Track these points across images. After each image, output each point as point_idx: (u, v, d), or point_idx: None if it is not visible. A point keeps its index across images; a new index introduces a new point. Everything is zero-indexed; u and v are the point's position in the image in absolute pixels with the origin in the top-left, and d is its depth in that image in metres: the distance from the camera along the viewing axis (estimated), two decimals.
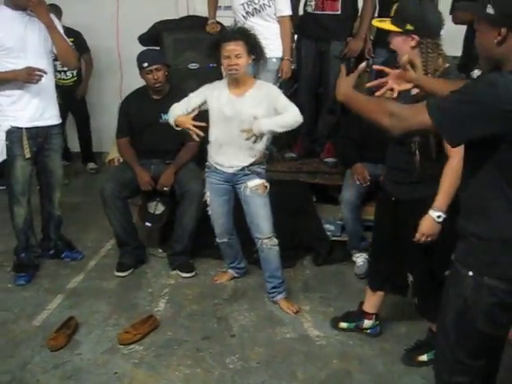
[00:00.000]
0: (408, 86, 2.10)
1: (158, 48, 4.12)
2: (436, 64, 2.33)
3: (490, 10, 1.56)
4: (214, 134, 3.13)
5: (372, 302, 2.96)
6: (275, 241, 3.18)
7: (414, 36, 2.34)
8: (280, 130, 2.98)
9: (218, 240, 3.41)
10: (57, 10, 4.84)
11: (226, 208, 3.29)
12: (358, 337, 2.98)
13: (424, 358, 2.74)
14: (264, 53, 3.12)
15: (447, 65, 2.36)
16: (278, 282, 3.25)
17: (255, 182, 3.13)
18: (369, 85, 2.19)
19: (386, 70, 2.12)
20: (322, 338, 2.98)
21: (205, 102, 3.12)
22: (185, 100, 3.16)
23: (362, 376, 2.67)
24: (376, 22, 2.57)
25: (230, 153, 3.11)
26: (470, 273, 1.64)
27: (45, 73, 3.25)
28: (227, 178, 3.18)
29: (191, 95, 3.18)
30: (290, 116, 2.99)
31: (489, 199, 1.60)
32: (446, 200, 2.32)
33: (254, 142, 2.93)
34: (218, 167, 3.17)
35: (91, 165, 5.83)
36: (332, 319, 3.10)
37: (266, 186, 3.15)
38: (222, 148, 3.13)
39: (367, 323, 2.98)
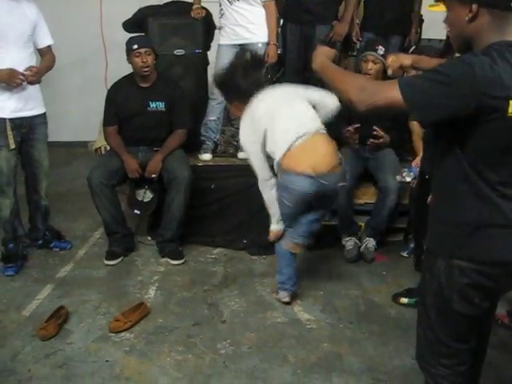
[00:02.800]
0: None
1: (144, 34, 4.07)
2: None
3: None
4: None
5: None
6: None
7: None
8: None
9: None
10: None
11: None
12: (347, 320, 3.00)
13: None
14: None
15: None
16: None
17: None
18: None
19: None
20: (313, 321, 2.99)
21: None
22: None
23: (353, 358, 2.69)
24: (431, 8, 2.60)
25: None
26: (441, 257, 1.65)
27: (29, 82, 3.29)
28: None
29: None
30: None
31: (454, 182, 1.59)
32: None
33: None
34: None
35: None
36: (393, 295, 3.16)
37: None
38: None
39: None
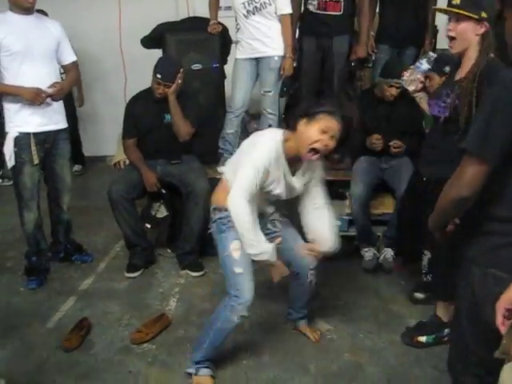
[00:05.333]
0: None
1: (174, 60, 3.92)
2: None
3: None
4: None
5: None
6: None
7: (486, 24, 2.43)
8: None
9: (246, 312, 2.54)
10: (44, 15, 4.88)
11: None
12: (367, 329, 3.01)
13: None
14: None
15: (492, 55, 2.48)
16: (305, 312, 2.98)
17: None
18: None
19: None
20: (333, 331, 3.01)
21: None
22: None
23: (373, 368, 2.70)
24: (440, 10, 2.64)
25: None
26: (477, 264, 1.64)
27: (53, 99, 3.37)
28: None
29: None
30: None
31: (500, 193, 1.58)
32: None
33: None
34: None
35: (76, 167, 5.87)
36: (404, 334, 2.92)
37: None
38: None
39: (447, 332, 2.78)
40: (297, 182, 2.54)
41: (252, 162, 2.36)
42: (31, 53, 3.28)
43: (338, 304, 3.28)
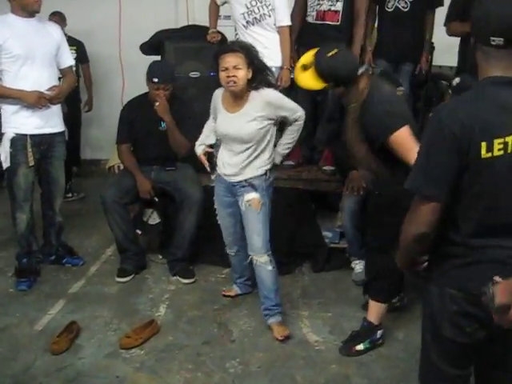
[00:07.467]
0: None
1: (167, 61, 4.05)
2: (359, 94, 2.64)
3: None
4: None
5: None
6: (267, 259, 3.04)
7: (340, 87, 2.70)
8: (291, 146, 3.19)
9: (227, 250, 3.37)
10: (61, 17, 4.92)
11: (232, 220, 3.22)
12: None
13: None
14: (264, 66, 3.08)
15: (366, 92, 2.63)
16: (270, 305, 3.09)
17: (250, 196, 3.02)
18: None
19: None
20: (321, 342, 3.01)
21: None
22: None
23: (360, 380, 2.71)
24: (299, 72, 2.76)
25: (232, 165, 3.06)
26: (434, 283, 1.69)
27: (52, 102, 3.40)
28: (229, 188, 3.11)
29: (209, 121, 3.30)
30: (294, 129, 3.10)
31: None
32: None
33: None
34: (223, 176, 3.12)
35: (73, 169, 5.85)
36: (341, 348, 2.94)
37: (259, 201, 2.99)
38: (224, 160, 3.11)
39: (380, 333, 2.98)
40: (238, 118, 2.98)
41: None
42: (32, 56, 3.30)
43: (327, 315, 3.29)
